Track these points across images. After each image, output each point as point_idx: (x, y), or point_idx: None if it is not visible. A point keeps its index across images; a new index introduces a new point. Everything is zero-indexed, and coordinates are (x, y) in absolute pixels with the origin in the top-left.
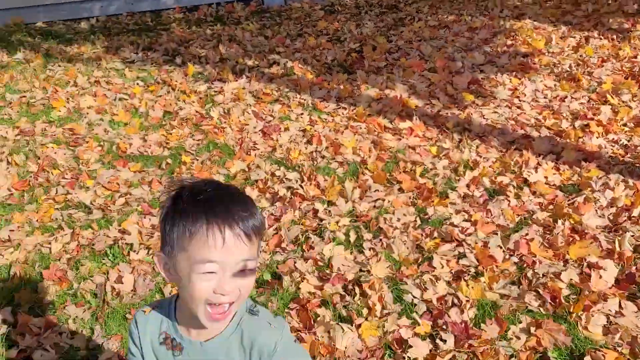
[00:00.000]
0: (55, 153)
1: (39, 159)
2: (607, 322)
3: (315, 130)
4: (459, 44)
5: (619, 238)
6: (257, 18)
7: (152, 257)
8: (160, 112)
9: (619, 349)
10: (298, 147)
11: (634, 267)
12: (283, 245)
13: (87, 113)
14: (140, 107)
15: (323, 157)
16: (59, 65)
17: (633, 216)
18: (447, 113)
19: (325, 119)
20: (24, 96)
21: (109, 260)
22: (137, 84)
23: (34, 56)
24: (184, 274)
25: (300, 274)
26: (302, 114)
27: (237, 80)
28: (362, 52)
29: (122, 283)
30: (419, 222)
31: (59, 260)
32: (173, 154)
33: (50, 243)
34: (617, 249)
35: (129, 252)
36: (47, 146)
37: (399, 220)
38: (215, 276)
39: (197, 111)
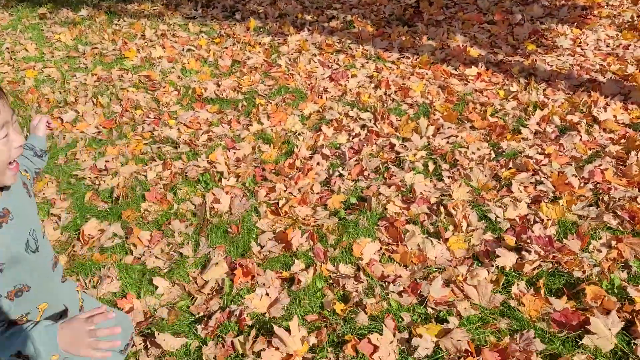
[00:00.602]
0: (136, 96)
1: (121, 101)
2: None
3: (383, 76)
4: None
5: None
6: None
7: (241, 183)
8: (229, 62)
9: None
10: (367, 91)
11: None
12: (365, 174)
13: (159, 62)
14: (209, 57)
15: (393, 100)
16: (124, 21)
17: None
18: (510, 60)
19: (391, 67)
20: (96, 47)
21: (202, 186)
22: (202, 36)
23: (97, 13)
24: None
25: (385, 197)
26: (367, 62)
27: (299, 33)
28: (419, 7)
29: (220, 203)
30: (493, 155)
31: (156, 185)
32: (247, 97)
33: (145, 171)
34: None
35: (220, 179)
36: (127, 90)
37: (474, 153)
38: (6, 138)
39: (264, 60)
